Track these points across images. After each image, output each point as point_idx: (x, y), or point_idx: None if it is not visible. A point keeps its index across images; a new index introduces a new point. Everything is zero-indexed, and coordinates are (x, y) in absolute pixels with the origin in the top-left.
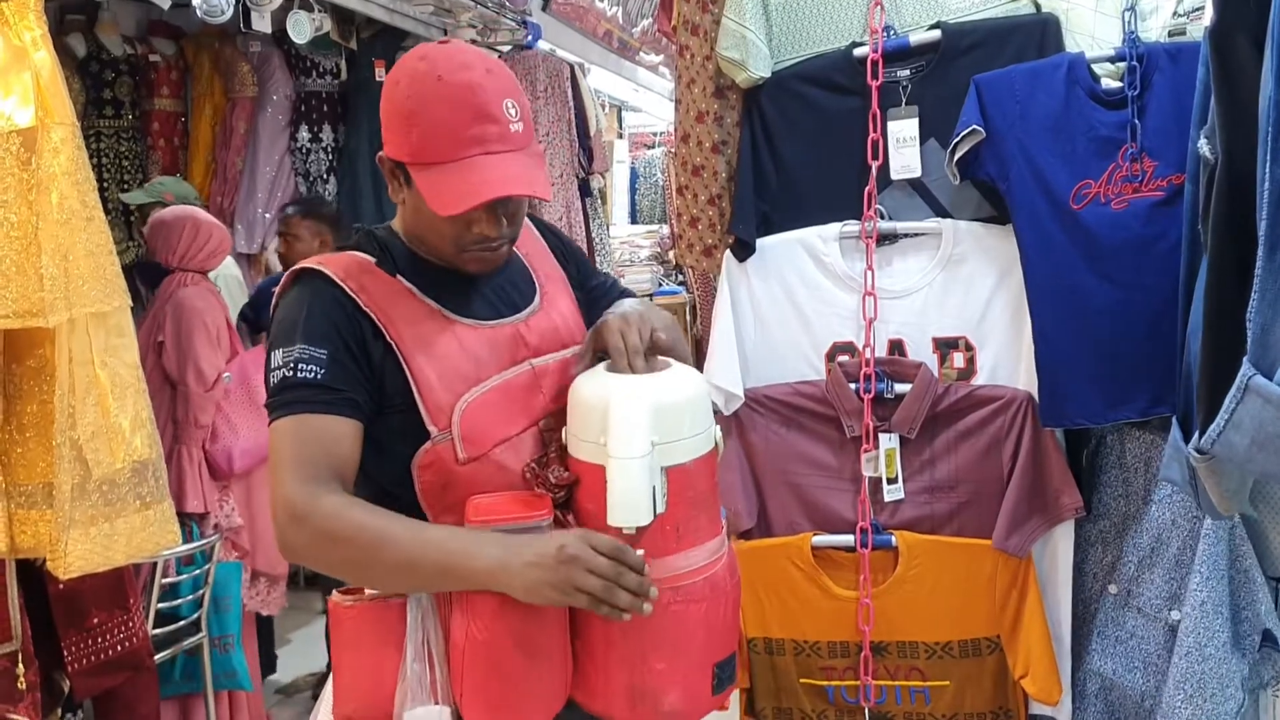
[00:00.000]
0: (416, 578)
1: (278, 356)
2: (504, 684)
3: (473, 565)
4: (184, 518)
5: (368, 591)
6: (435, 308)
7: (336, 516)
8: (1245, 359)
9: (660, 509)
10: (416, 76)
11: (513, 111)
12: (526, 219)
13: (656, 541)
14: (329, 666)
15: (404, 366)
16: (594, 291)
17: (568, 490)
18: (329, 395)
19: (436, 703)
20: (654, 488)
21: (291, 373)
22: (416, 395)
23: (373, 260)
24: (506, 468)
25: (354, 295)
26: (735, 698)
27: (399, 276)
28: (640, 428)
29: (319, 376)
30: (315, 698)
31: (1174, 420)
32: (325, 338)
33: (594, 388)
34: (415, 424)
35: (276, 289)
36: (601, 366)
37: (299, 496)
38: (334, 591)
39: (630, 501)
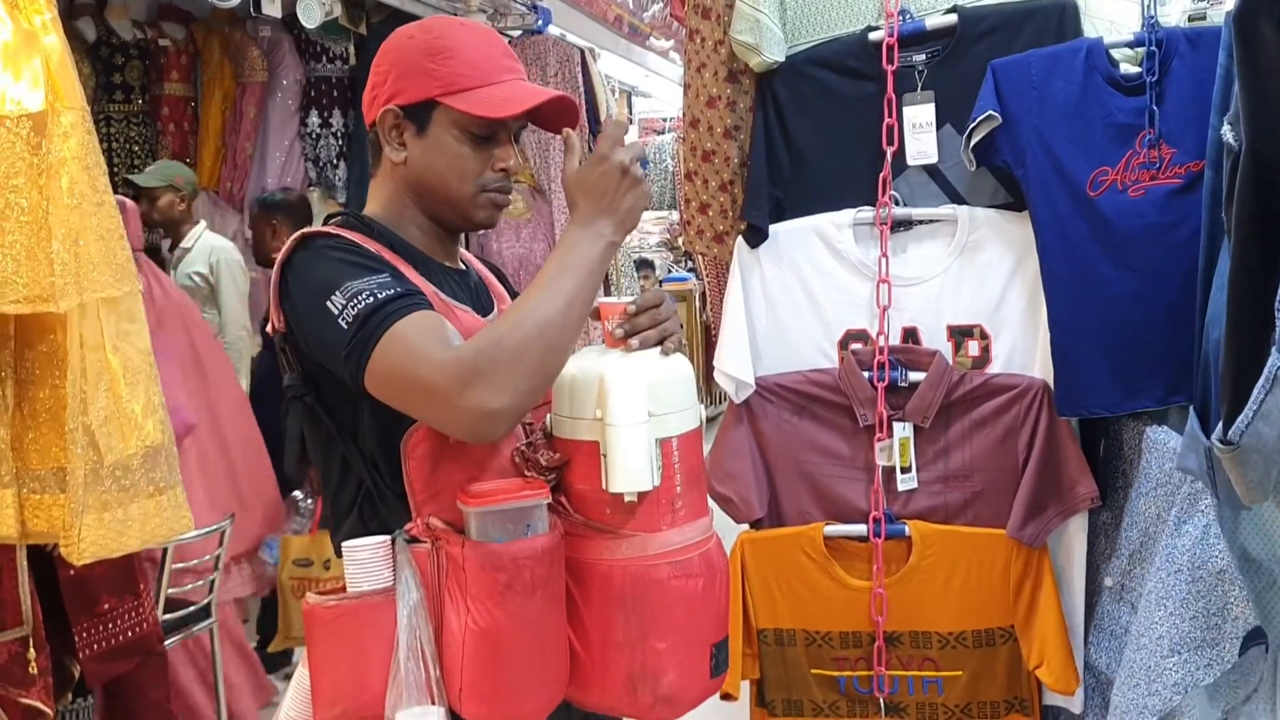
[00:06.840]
0: (564, 302)
1: (337, 301)
2: (506, 671)
3: (583, 243)
4: None
5: (346, 591)
6: (433, 288)
7: (482, 347)
8: (1274, 349)
9: (656, 481)
10: (432, 25)
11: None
12: (477, 260)
13: (654, 515)
14: None
15: None
16: None
17: (557, 473)
18: (410, 299)
19: (433, 703)
20: (651, 457)
21: (368, 299)
22: None
23: (362, 236)
24: (497, 450)
25: (364, 246)
26: (746, 689)
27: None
28: (638, 395)
29: (395, 291)
30: None
31: (1191, 410)
32: (373, 266)
33: (585, 366)
34: None
35: (279, 258)
36: (584, 349)
37: (452, 363)
38: (308, 594)
39: (632, 467)
